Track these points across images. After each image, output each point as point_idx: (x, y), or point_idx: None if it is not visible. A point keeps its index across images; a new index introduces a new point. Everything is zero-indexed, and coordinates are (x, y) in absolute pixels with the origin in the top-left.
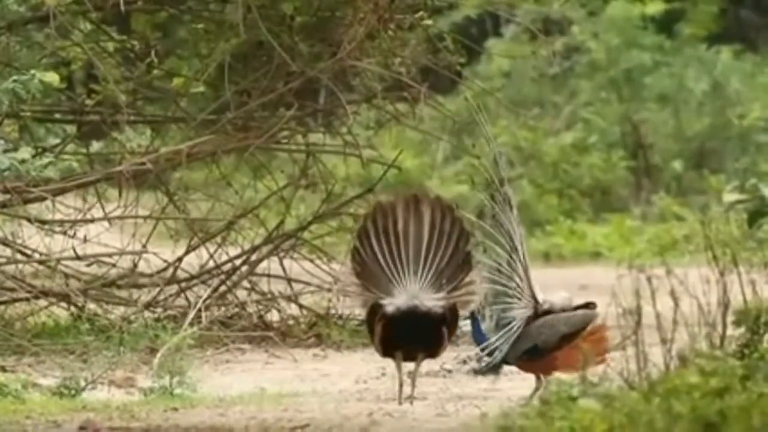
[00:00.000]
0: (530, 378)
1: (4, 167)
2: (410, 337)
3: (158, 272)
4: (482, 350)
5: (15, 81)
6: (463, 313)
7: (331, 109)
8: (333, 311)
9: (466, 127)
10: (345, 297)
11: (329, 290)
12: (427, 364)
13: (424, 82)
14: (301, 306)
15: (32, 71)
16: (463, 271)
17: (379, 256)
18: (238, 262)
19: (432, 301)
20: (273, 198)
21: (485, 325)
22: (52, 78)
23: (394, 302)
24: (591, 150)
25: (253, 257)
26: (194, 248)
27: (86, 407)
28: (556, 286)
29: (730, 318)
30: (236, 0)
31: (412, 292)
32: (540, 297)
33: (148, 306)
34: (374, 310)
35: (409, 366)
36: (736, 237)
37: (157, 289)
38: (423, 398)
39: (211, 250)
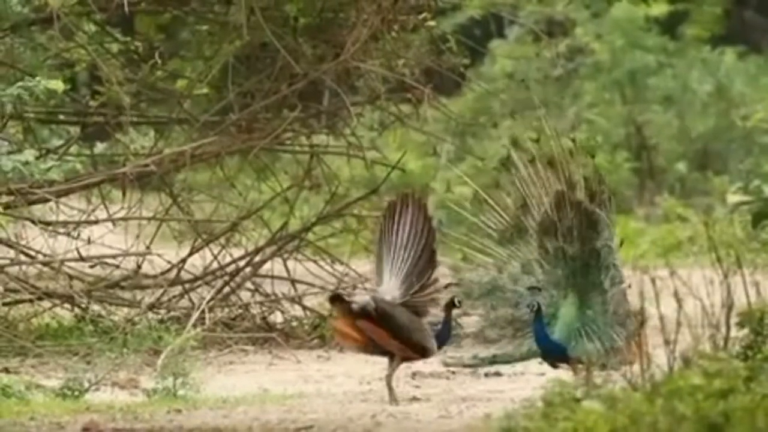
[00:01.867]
0: (534, 379)
1: (8, 169)
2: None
3: (162, 273)
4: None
5: (20, 87)
6: (443, 313)
7: (335, 110)
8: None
9: (470, 128)
10: None
11: (335, 290)
12: (431, 365)
13: (428, 83)
14: (304, 307)
15: (37, 78)
16: (431, 269)
17: (378, 256)
18: (241, 263)
19: (387, 297)
20: (277, 199)
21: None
22: (57, 86)
23: (356, 300)
24: (595, 151)
25: (257, 258)
26: (198, 249)
27: (90, 408)
28: None
29: (733, 319)
30: (240, 2)
31: (383, 290)
32: None
33: (151, 307)
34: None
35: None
36: (740, 238)
37: (161, 291)
38: (426, 399)
39: (215, 252)
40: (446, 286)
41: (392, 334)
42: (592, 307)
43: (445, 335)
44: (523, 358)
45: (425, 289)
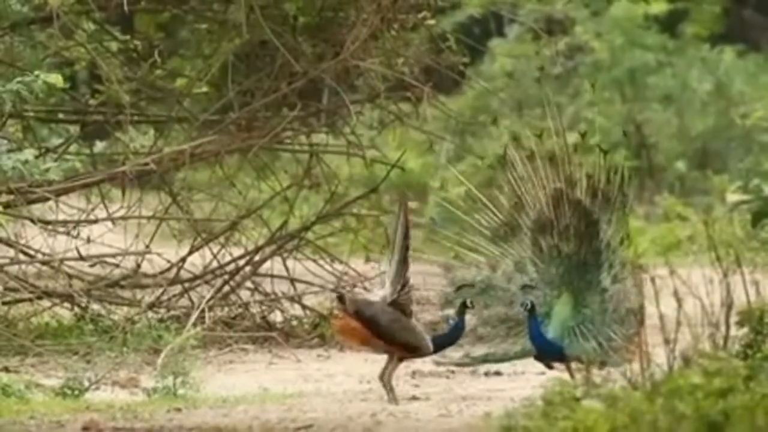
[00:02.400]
0: (534, 378)
1: (7, 168)
2: None
3: (162, 273)
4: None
5: (19, 82)
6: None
7: (335, 109)
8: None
9: (469, 127)
10: None
11: (332, 290)
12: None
13: (428, 82)
14: (304, 306)
15: (36, 72)
16: (405, 268)
17: None
18: (241, 262)
19: (376, 298)
20: (276, 198)
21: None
22: (56, 80)
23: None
24: (594, 150)
25: (257, 257)
26: (198, 249)
27: (90, 407)
28: None
29: (733, 318)
30: (239, 0)
31: (382, 290)
32: None
33: (151, 306)
34: None
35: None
36: (740, 237)
37: (161, 290)
38: (426, 398)
39: (215, 251)
40: (459, 288)
41: (375, 334)
42: (589, 306)
43: (454, 335)
44: (517, 357)
45: (404, 288)
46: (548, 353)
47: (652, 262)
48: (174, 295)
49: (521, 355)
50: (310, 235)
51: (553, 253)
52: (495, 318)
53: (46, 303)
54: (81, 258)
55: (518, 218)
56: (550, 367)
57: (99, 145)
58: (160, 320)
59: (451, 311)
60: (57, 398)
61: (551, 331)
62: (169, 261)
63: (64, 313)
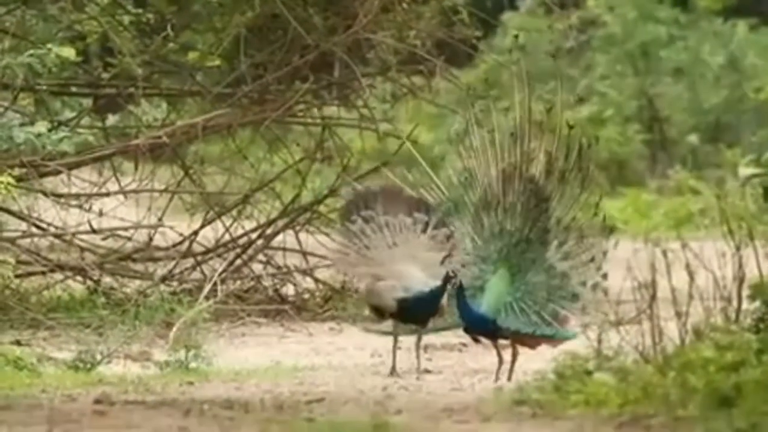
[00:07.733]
0: (546, 351)
1: (20, 141)
2: None
3: (174, 246)
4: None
5: (31, 55)
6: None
7: (347, 82)
8: (348, 285)
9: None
10: None
11: None
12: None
13: (440, 55)
14: (316, 280)
15: (48, 46)
16: None
17: None
18: (253, 235)
19: None
20: (289, 171)
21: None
22: (69, 53)
23: None
24: (607, 123)
25: (269, 231)
26: (210, 222)
27: (102, 381)
28: None
29: (745, 292)
30: None
31: None
32: None
33: (164, 280)
34: None
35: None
36: (752, 211)
37: (173, 263)
38: (438, 372)
39: (227, 224)
40: (444, 259)
41: None
42: (530, 282)
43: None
44: (446, 328)
45: None
46: (479, 327)
47: (664, 235)
48: (186, 269)
49: (450, 327)
50: (322, 208)
51: (494, 229)
52: None
53: (58, 276)
54: (93, 231)
55: (465, 194)
56: (477, 341)
57: (111, 119)
58: (173, 293)
59: None
60: (69, 372)
61: (484, 305)
62: (181, 234)
63: (77, 287)
